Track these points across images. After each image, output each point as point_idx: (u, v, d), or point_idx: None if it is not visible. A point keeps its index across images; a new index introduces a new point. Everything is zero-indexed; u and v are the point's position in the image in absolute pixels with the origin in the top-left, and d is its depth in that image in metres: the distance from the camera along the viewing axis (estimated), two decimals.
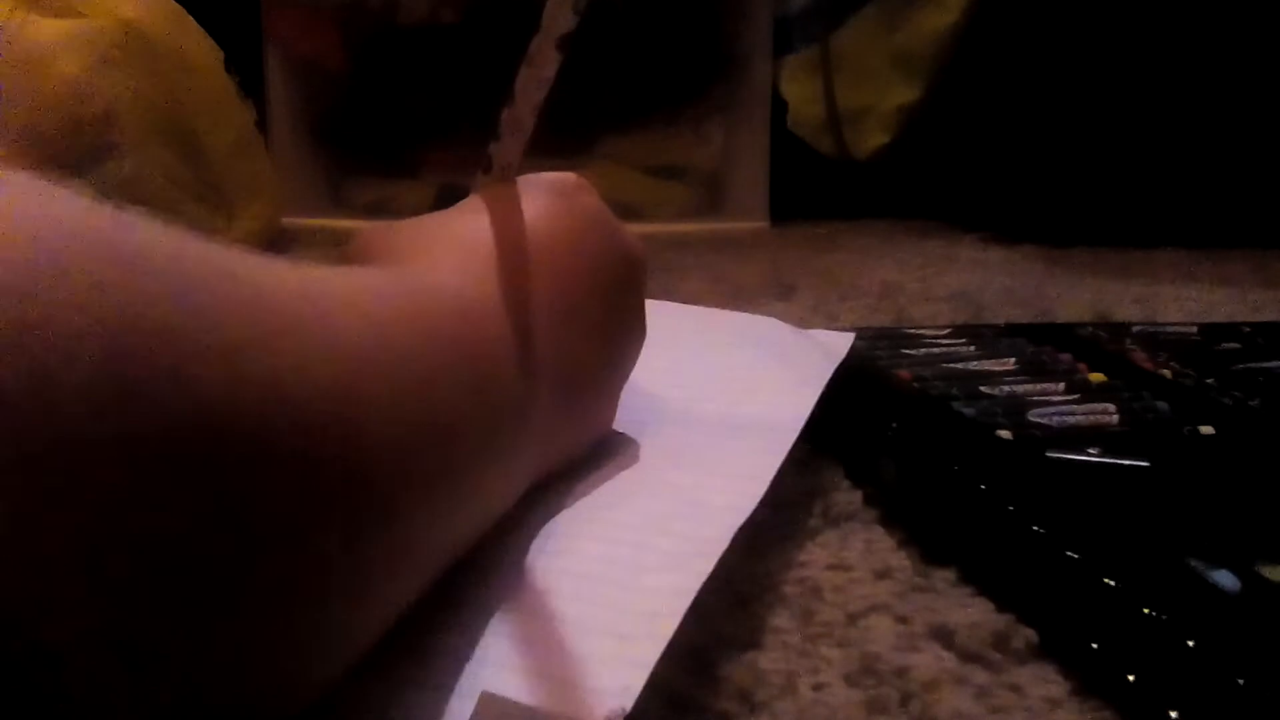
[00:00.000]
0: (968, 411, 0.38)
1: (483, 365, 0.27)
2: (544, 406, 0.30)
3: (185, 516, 0.16)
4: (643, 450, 0.36)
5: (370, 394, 0.21)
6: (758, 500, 0.31)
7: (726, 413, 0.39)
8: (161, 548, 0.15)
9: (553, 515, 0.30)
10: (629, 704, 0.21)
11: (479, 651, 0.24)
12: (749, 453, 0.35)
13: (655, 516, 0.31)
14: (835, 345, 0.46)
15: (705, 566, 0.26)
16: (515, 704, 0.21)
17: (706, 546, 0.28)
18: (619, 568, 0.28)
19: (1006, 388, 0.41)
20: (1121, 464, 0.34)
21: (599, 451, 0.35)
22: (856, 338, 0.48)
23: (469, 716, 0.21)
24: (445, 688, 0.22)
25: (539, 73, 0.32)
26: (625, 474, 0.34)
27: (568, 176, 0.36)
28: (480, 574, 0.27)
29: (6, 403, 0.14)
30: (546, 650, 0.24)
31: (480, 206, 0.33)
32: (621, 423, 0.37)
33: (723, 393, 0.41)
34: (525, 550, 0.28)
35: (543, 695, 0.22)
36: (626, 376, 0.37)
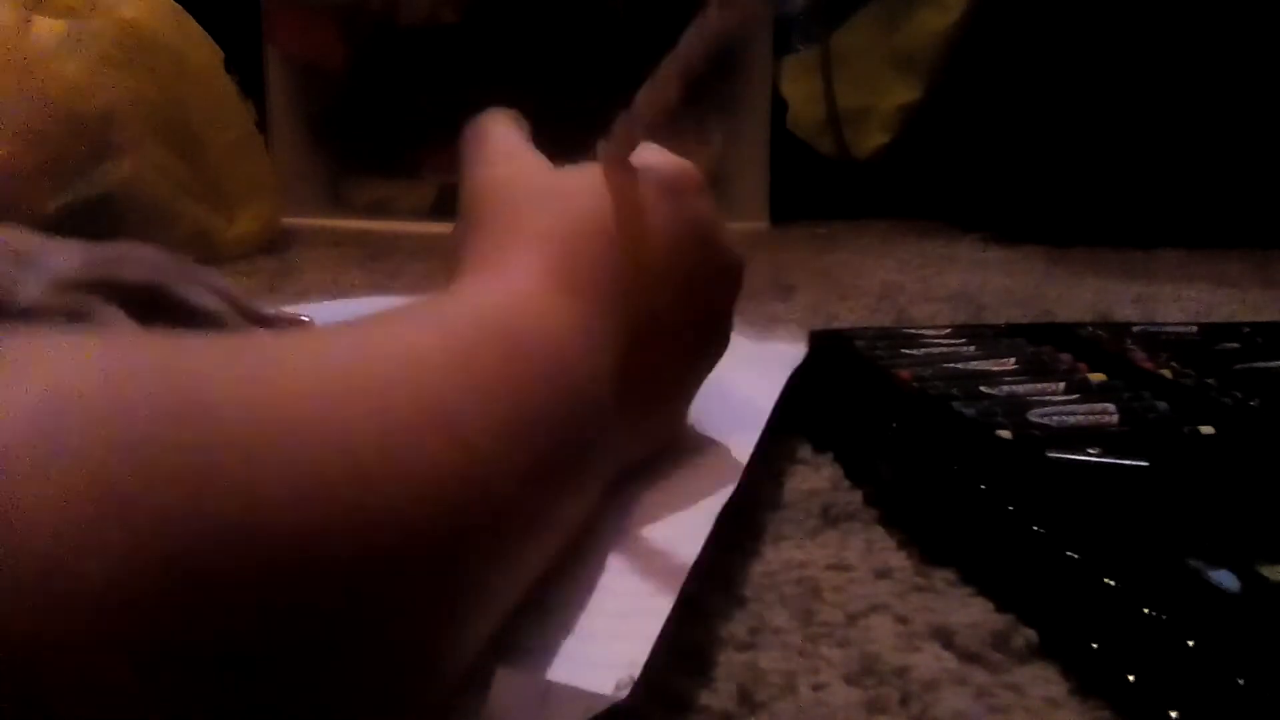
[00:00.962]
0: (968, 411, 0.38)
1: (561, 402, 0.26)
2: (621, 428, 0.30)
3: (232, 633, 0.16)
4: None
5: (417, 464, 0.20)
6: (734, 486, 0.32)
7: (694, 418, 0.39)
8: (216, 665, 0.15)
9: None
10: (636, 673, 0.22)
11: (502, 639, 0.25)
12: (723, 446, 0.37)
13: (645, 506, 0.32)
14: (790, 354, 0.47)
15: (694, 549, 0.28)
16: (531, 677, 0.22)
17: (693, 532, 0.29)
18: (615, 555, 0.29)
19: (1006, 388, 0.41)
20: (1121, 464, 0.34)
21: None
22: (856, 338, 0.48)
23: (487, 694, 0.22)
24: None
25: (705, 32, 0.28)
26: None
27: (685, 173, 0.34)
28: None
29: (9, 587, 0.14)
30: (556, 630, 0.25)
31: (591, 190, 0.32)
32: None
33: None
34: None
35: (555, 671, 0.23)
36: (699, 385, 0.36)
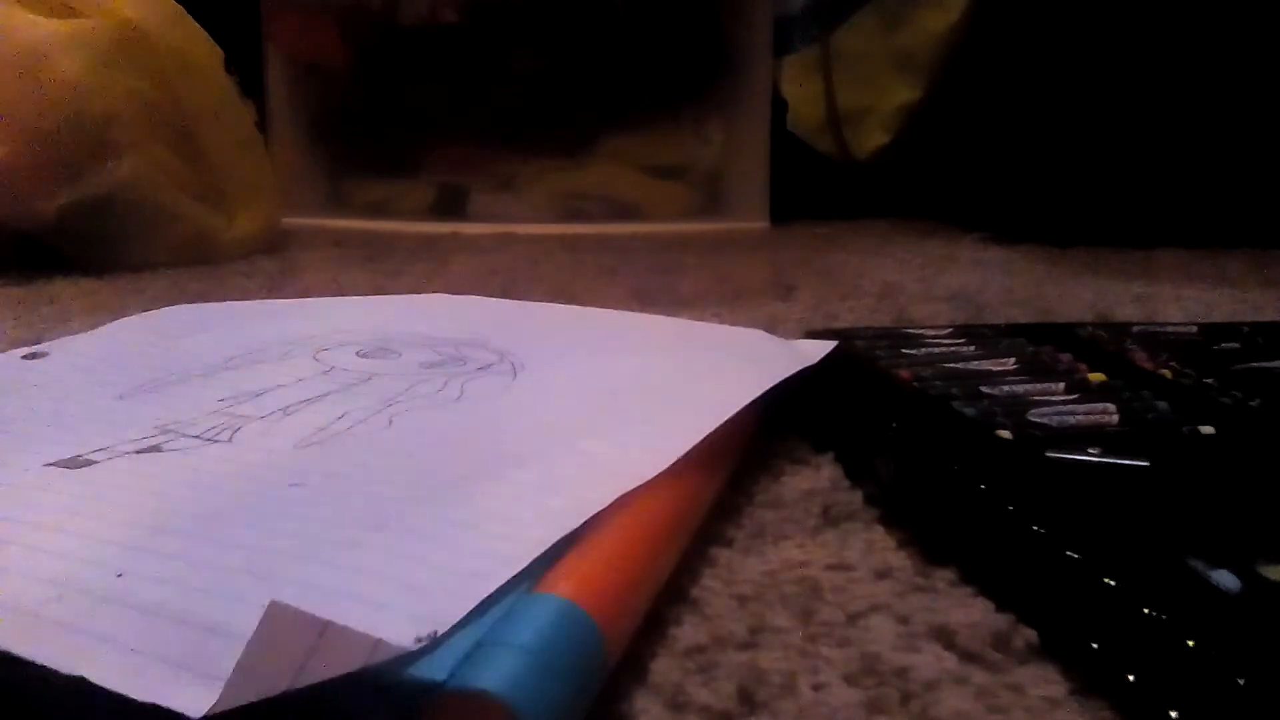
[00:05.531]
0: (968, 411, 0.38)
1: None
2: None
3: None
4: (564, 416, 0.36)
5: None
6: (647, 478, 0.30)
7: (663, 391, 0.38)
8: None
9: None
10: (441, 630, 0.20)
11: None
12: (665, 429, 0.34)
13: (551, 474, 0.30)
14: (810, 351, 0.44)
15: (573, 520, 0.26)
16: (304, 614, 0.19)
17: (582, 505, 0.27)
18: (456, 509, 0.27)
19: (1006, 388, 0.41)
20: (1121, 464, 0.34)
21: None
22: (856, 338, 0.48)
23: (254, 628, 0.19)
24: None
25: None
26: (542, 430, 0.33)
27: None
28: None
29: None
30: (368, 579, 0.23)
31: None
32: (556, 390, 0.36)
33: (670, 380, 0.40)
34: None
35: (351, 617, 0.19)
36: None
